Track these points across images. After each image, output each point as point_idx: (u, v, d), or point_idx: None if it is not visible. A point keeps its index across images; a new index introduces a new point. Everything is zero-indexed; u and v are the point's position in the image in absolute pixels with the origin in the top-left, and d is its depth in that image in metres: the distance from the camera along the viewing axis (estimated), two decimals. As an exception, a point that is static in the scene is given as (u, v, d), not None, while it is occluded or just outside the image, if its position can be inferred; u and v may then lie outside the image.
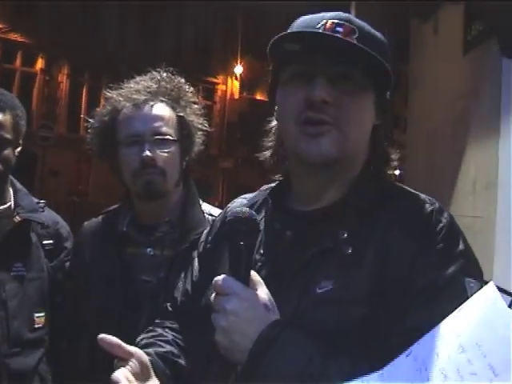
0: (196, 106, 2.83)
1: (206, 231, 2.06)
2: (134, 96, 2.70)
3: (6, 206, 3.00)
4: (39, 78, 31.91)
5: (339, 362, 1.42)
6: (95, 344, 1.65)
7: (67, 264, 3.06)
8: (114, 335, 1.68)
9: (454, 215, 1.66)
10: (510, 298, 2.54)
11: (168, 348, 1.87)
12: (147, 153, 2.61)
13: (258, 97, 32.92)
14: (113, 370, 1.63)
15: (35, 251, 3.02)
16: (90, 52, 30.71)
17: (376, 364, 1.34)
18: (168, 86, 2.78)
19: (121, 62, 26.73)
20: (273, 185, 1.91)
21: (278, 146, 1.84)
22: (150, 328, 1.98)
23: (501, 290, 1.43)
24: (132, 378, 1.61)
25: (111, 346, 1.63)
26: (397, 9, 6.69)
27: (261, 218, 1.77)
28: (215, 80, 36.32)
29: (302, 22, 1.74)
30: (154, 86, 2.75)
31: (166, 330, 1.94)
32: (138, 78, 2.81)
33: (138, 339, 1.90)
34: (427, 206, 1.63)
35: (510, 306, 1.29)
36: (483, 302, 1.30)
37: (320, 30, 1.65)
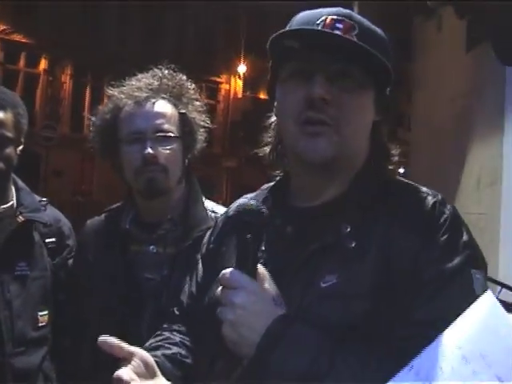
0: (198, 102, 2.82)
1: (208, 233, 2.04)
2: (136, 93, 2.69)
3: (8, 204, 3.00)
4: (42, 78, 31.97)
5: (346, 357, 1.42)
6: (97, 342, 1.64)
7: (70, 262, 3.05)
8: (116, 333, 1.67)
9: (461, 212, 1.65)
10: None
11: (175, 349, 1.86)
12: (149, 150, 2.60)
13: (262, 96, 32.92)
14: (116, 369, 1.62)
15: (38, 250, 3.01)
16: (92, 52, 30.74)
17: (382, 358, 1.33)
18: (170, 83, 2.77)
19: (123, 61, 26.76)
20: (273, 183, 1.90)
21: (277, 142, 1.83)
22: (158, 332, 1.97)
23: (506, 286, 1.42)
24: (135, 376, 1.60)
25: (111, 348, 1.62)
26: (400, 6, 6.68)
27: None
28: (218, 79, 36.34)
29: (302, 17, 1.73)
30: (156, 83, 2.74)
31: (174, 333, 1.93)
32: (139, 76, 2.80)
33: (146, 344, 1.88)
34: (430, 198, 1.63)
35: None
36: (483, 311, 1.29)
37: (319, 27, 1.64)
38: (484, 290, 1.37)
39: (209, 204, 2.81)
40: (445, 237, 1.54)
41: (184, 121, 2.73)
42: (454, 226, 1.57)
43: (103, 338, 1.62)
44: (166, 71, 2.80)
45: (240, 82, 36.08)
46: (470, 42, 5.11)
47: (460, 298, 1.34)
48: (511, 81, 4.52)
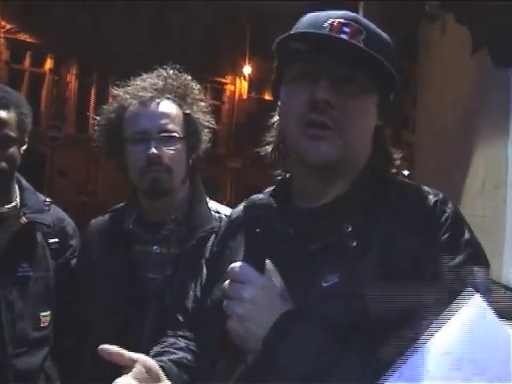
0: (203, 103, 2.82)
1: (212, 237, 2.04)
2: (141, 93, 2.69)
3: (12, 204, 3.00)
4: (48, 78, 31.98)
5: (349, 355, 1.42)
6: (100, 343, 1.64)
7: (73, 262, 3.05)
8: (119, 333, 1.68)
9: (465, 215, 1.65)
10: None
11: (181, 354, 1.86)
12: (153, 150, 2.60)
13: (267, 97, 32.91)
14: (118, 370, 1.62)
15: (41, 251, 3.01)
16: (98, 52, 30.76)
17: (384, 357, 1.33)
18: (174, 83, 2.77)
19: (128, 61, 26.78)
20: (275, 184, 1.90)
21: (280, 141, 1.83)
22: (162, 339, 1.97)
23: (509, 289, 1.41)
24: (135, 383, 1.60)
25: (111, 356, 1.62)
26: (404, 9, 6.67)
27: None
28: (224, 80, 36.33)
29: (309, 20, 1.72)
30: (161, 83, 2.75)
31: (179, 339, 1.93)
32: (144, 76, 2.80)
33: (151, 351, 1.87)
34: (431, 197, 1.63)
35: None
36: (471, 315, 1.27)
37: (326, 30, 1.64)
38: (487, 288, 1.37)
39: (213, 204, 2.81)
40: (446, 235, 1.55)
41: (188, 121, 2.73)
42: (455, 225, 1.58)
43: (103, 346, 1.63)
44: (171, 71, 2.80)
45: (245, 83, 36.09)
46: (474, 45, 5.11)
47: (461, 296, 1.34)
48: (516, 83, 4.52)
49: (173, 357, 1.83)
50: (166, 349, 1.88)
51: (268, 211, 1.56)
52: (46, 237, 3.04)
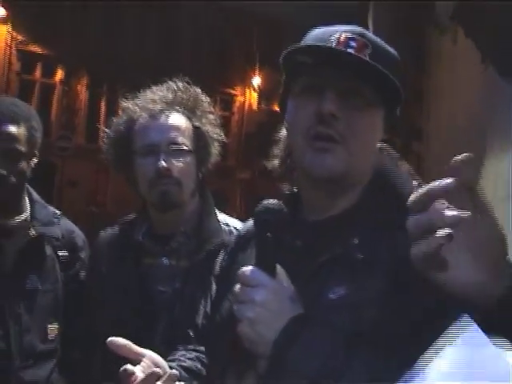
0: (212, 116, 2.82)
1: (221, 253, 2.04)
2: (150, 106, 2.69)
3: (21, 217, 3.00)
4: (58, 88, 32.06)
5: (361, 357, 1.42)
6: (108, 355, 1.64)
7: (82, 274, 3.05)
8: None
9: None
10: None
11: (191, 363, 1.88)
12: (162, 163, 2.60)
13: (277, 108, 32.62)
14: None
15: (50, 263, 3.00)
16: (108, 63, 30.84)
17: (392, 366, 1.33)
18: (184, 95, 2.77)
19: (138, 72, 26.85)
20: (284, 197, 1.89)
21: (287, 156, 1.84)
22: (173, 352, 1.97)
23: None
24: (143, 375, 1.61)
25: (119, 348, 1.63)
26: (416, 19, 6.67)
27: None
28: (233, 91, 36.35)
29: (316, 33, 1.74)
30: (170, 95, 2.75)
31: (190, 351, 1.94)
32: (154, 88, 2.80)
33: None
34: None
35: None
36: (469, 342, 1.25)
37: (333, 44, 1.65)
38: None
39: (222, 217, 2.81)
40: None
41: (198, 134, 2.73)
42: None
43: (111, 338, 1.64)
44: (181, 84, 2.80)
45: (255, 94, 36.09)
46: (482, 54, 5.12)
47: None
48: (527, 95, 4.52)
49: (183, 364, 1.85)
50: (176, 357, 1.89)
51: (278, 215, 1.56)
52: (55, 249, 3.03)
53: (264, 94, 34.76)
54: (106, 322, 2.71)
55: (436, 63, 7.00)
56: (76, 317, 2.98)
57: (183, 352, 1.93)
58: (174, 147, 2.65)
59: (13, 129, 2.86)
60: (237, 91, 36.43)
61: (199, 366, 1.86)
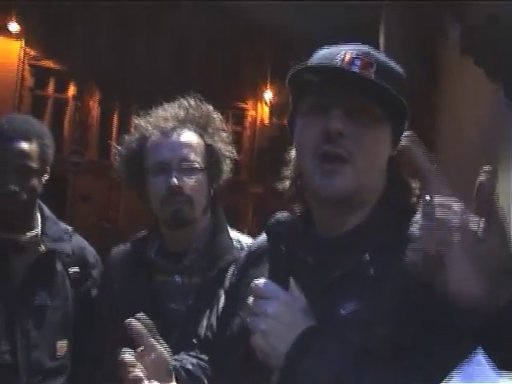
0: (224, 133, 2.82)
1: (232, 267, 2.06)
2: (162, 123, 2.70)
3: (32, 233, 3.01)
4: (71, 104, 32.14)
5: (371, 372, 1.43)
6: (119, 373, 1.64)
7: (93, 291, 3.05)
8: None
9: None
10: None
11: (191, 366, 1.89)
12: (174, 181, 2.60)
13: (288, 122, 32.75)
14: None
15: (60, 280, 3.01)
16: (120, 79, 30.96)
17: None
18: (196, 113, 2.77)
19: (150, 87, 26.92)
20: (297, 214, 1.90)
21: (297, 176, 1.85)
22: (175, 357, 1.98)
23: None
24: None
25: (133, 331, 1.72)
26: (427, 33, 6.68)
27: None
28: (245, 106, 36.39)
29: (322, 53, 1.77)
30: (182, 113, 2.75)
31: (191, 357, 1.94)
32: (166, 105, 2.80)
33: None
34: None
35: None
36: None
37: (338, 63, 1.68)
38: None
39: (234, 234, 2.81)
40: None
41: (210, 151, 2.73)
42: None
43: (131, 320, 1.74)
44: (193, 101, 2.80)
45: (266, 109, 36.12)
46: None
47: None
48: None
49: (183, 366, 1.86)
50: (177, 358, 1.91)
51: (290, 228, 1.59)
52: (65, 266, 3.04)
53: (276, 109, 34.82)
54: (118, 340, 2.71)
55: (445, 76, 7.00)
56: (87, 334, 2.97)
57: (185, 356, 1.94)
58: (186, 165, 2.65)
59: (25, 145, 2.89)
60: (248, 105, 36.46)
61: (199, 371, 1.87)
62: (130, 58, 32.42)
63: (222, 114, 2.90)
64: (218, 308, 1.98)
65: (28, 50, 30.56)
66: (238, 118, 35.11)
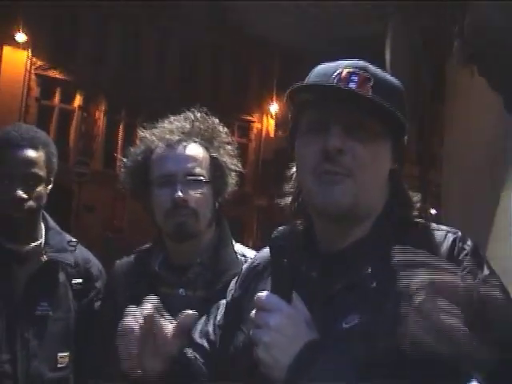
0: (230, 146, 2.82)
1: (234, 280, 2.06)
2: (168, 136, 2.69)
3: (36, 243, 3.01)
4: (77, 114, 32.29)
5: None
6: None
7: (97, 304, 3.04)
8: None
9: (491, 257, 1.66)
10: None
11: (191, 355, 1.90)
12: (179, 193, 2.60)
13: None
14: None
15: (62, 291, 3.01)
16: (127, 90, 31.04)
17: None
18: (202, 126, 2.77)
19: (158, 100, 26.98)
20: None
21: (298, 193, 1.86)
22: None
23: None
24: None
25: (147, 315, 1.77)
26: (433, 50, 6.68)
27: None
28: (251, 118, 36.46)
29: (319, 70, 1.79)
30: (188, 126, 2.75)
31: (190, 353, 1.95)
32: (171, 118, 2.80)
33: None
34: (450, 235, 1.66)
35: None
36: None
37: (335, 80, 1.70)
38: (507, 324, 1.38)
39: (239, 248, 2.80)
40: (465, 272, 1.56)
41: (215, 165, 2.73)
42: (474, 261, 1.60)
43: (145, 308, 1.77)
44: (199, 114, 2.80)
45: (272, 121, 36.16)
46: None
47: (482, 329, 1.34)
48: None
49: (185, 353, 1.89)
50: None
51: (293, 242, 1.64)
52: (69, 277, 3.04)
53: (281, 121, 34.84)
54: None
55: (452, 93, 7.00)
56: (90, 346, 2.96)
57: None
58: (191, 178, 2.65)
59: (32, 153, 2.91)
60: (254, 118, 36.55)
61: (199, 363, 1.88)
62: (136, 69, 32.57)
63: (228, 127, 2.89)
64: (216, 317, 2.00)
65: (34, 59, 30.71)
66: (243, 130, 35.22)
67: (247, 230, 31.75)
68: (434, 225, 1.74)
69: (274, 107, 35.48)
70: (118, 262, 2.95)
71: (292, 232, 1.68)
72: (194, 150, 2.69)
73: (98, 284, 3.11)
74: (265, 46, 28.17)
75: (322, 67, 1.78)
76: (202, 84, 33.61)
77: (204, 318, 2.04)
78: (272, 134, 36.25)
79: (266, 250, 1.96)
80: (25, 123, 3.31)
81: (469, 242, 1.64)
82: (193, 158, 2.67)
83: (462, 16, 5.19)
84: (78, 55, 31.55)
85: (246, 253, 2.75)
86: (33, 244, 3.00)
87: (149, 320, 1.74)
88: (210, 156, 2.73)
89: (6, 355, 2.82)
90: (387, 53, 6.71)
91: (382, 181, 1.75)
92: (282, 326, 1.50)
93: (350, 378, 1.43)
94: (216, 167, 2.73)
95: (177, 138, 2.69)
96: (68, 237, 3.16)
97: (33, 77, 31.19)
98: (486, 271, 1.59)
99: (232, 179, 2.80)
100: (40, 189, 2.93)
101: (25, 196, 2.86)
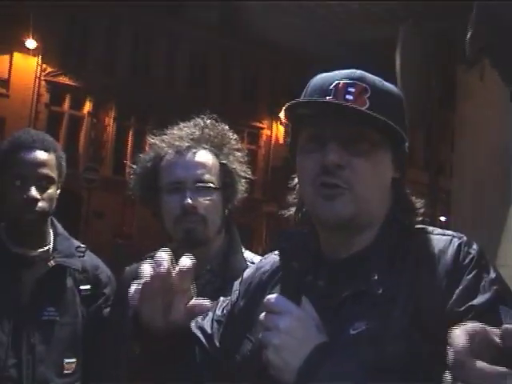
0: (239, 153, 2.81)
1: (237, 282, 2.07)
2: (177, 143, 2.69)
3: (44, 249, 3.02)
4: (86, 120, 32.41)
5: None
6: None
7: (106, 310, 3.04)
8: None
9: (501, 264, 1.65)
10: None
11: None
12: (188, 200, 2.59)
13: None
14: None
15: (70, 296, 3.01)
16: (137, 96, 31.11)
17: None
18: (211, 132, 2.76)
19: (169, 104, 27.04)
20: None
21: (302, 203, 1.86)
22: None
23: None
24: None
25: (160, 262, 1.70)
26: (444, 55, 6.67)
27: None
28: (260, 125, 36.51)
29: (316, 82, 1.78)
30: (198, 132, 2.74)
31: None
32: (181, 125, 2.80)
33: None
34: (455, 240, 1.65)
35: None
36: None
37: (332, 93, 1.70)
38: None
39: (248, 255, 2.79)
40: (471, 275, 1.55)
41: (225, 171, 2.72)
42: (480, 265, 1.59)
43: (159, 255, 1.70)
44: (208, 121, 2.80)
45: (282, 128, 36.18)
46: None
47: None
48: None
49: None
50: None
51: (302, 245, 1.64)
52: (77, 283, 3.04)
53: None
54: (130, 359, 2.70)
55: (462, 100, 6.99)
56: (98, 353, 2.96)
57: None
58: (201, 184, 2.64)
59: (44, 155, 2.94)
60: (264, 124, 36.60)
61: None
62: (147, 76, 32.65)
63: (238, 134, 2.89)
64: (214, 311, 2.00)
65: (44, 66, 30.84)
66: (253, 136, 35.27)
67: (256, 237, 31.75)
68: (438, 230, 1.74)
69: (284, 114, 35.51)
70: (127, 268, 2.95)
71: (298, 237, 1.67)
72: (204, 156, 2.69)
73: (107, 290, 3.11)
74: (275, 51, 28.26)
75: (319, 79, 1.78)
76: (212, 90, 33.68)
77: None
78: (281, 141, 36.26)
79: (272, 256, 1.98)
80: (35, 129, 3.33)
81: (474, 246, 1.63)
82: (202, 165, 2.67)
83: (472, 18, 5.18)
84: (88, 61, 31.66)
85: (255, 260, 2.73)
86: (41, 249, 3.01)
87: (164, 265, 1.71)
88: (220, 162, 2.72)
89: (11, 360, 2.82)
90: (397, 57, 6.71)
91: (384, 190, 1.75)
92: (292, 329, 1.50)
93: (359, 381, 1.42)
94: (225, 174, 2.72)
95: (186, 144, 2.68)
96: (76, 243, 3.17)
97: (43, 83, 31.33)
98: (493, 274, 1.58)
99: (242, 186, 2.79)
100: (51, 191, 2.95)
101: (38, 196, 2.87)
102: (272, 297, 1.55)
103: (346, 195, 1.65)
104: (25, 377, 2.82)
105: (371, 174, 1.68)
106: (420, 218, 1.78)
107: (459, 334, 1.09)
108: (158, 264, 1.68)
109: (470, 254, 1.60)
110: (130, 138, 33.29)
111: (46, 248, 3.02)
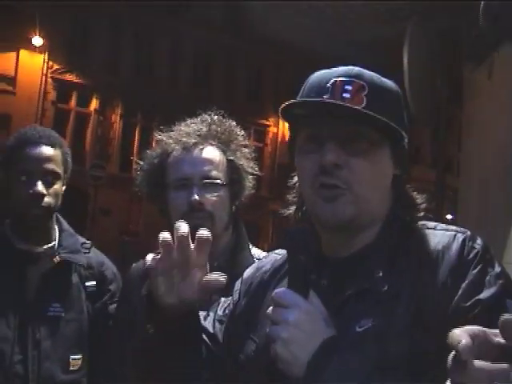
0: (247, 149, 2.80)
1: (238, 281, 2.09)
2: (184, 139, 2.68)
3: (49, 245, 3.03)
4: (93, 118, 32.45)
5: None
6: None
7: (111, 307, 3.05)
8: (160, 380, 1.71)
9: (506, 263, 1.65)
10: None
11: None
12: (195, 197, 2.58)
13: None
14: None
15: (75, 292, 3.02)
16: (143, 93, 31.13)
17: None
18: (218, 129, 2.75)
19: (174, 103, 27.04)
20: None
21: (302, 202, 1.86)
22: None
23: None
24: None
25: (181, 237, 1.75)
26: (449, 55, 6.66)
27: None
28: (267, 122, 36.51)
29: (313, 80, 1.77)
30: (205, 129, 2.73)
31: None
32: (188, 121, 2.79)
33: None
34: (459, 235, 1.64)
35: None
36: None
37: (329, 91, 1.69)
38: None
39: (256, 251, 2.78)
40: (476, 270, 1.55)
41: (232, 168, 2.71)
42: (485, 260, 1.58)
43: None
44: (215, 117, 2.79)
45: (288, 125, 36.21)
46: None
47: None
48: None
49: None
50: None
51: (309, 239, 1.66)
52: (82, 279, 3.05)
53: (297, 126, 34.87)
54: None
55: (469, 98, 6.98)
56: (104, 350, 2.96)
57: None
58: (208, 181, 2.63)
59: (50, 151, 2.96)
60: (270, 122, 36.60)
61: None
62: (152, 73, 32.66)
63: (244, 131, 2.87)
64: (216, 311, 2.03)
65: (51, 63, 30.88)
66: (259, 134, 35.27)
67: (263, 234, 31.77)
68: (442, 225, 1.73)
69: (290, 111, 35.52)
70: (134, 265, 2.94)
71: (301, 236, 1.66)
72: (211, 152, 2.68)
73: (113, 287, 3.12)
74: (281, 49, 28.26)
75: (317, 77, 1.77)
76: (216, 90, 33.67)
77: (204, 313, 2.03)
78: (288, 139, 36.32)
79: (273, 255, 2.00)
80: (41, 126, 3.34)
81: (478, 241, 1.62)
82: (209, 161, 2.66)
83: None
84: (92, 61, 31.69)
85: (262, 257, 2.73)
86: (46, 245, 3.02)
87: (185, 233, 1.72)
88: (227, 159, 2.71)
89: (17, 355, 2.83)
90: (405, 56, 6.70)
91: (384, 188, 1.74)
92: (301, 322, 1.50)
93: (367, 376, 1.43)
94: (233, 170, 2.71)
95: (193, 140, 2.67)
96: (82, 239, 3.18)
97: (49, 80, 31.38)
98: (498, 269, 1.58)
99: (249, 182, 2.78)
100: (57, 186, 2.96)
101: (44, 191, 2.88)
102: (280, 291, 1.56)
103: (346, 196, 1.64)
104: (31, 373, 2.82)
105: (370, 173, 1.67)
106: (422, 214, 1.78)
107: (460, 334, 1.08)
108: (178, 232, 1.72)
109: (474, 248, 1.59)
110: (136, 136, 33.33)
111: (51, 244, 3.03)
